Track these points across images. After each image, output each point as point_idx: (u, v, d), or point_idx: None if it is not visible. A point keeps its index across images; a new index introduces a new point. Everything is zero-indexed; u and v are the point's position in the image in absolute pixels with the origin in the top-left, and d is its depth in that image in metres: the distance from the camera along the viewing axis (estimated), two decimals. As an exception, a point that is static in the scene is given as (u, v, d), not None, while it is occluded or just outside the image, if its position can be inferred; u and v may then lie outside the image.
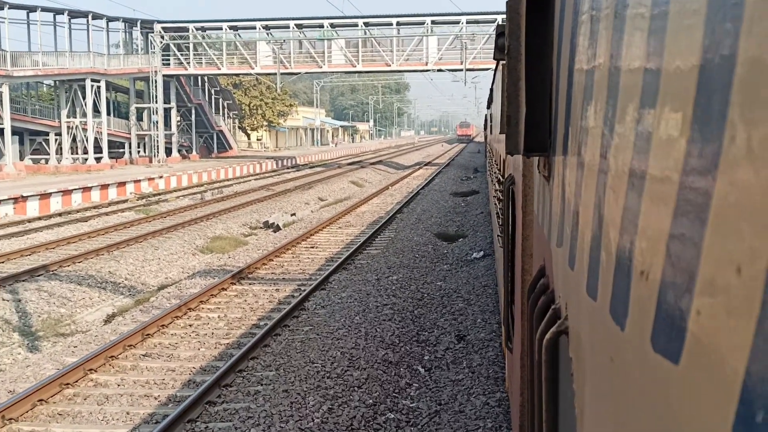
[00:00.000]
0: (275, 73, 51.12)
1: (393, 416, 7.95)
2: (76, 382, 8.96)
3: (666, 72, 0.87)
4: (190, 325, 11.57)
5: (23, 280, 14.90)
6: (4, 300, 13.53)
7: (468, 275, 14.87)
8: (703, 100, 0.73)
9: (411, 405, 8.29)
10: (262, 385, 8.76)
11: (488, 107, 17.47)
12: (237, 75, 61.36)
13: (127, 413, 8.13)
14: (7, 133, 40.15)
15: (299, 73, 52.00)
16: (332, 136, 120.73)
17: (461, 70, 48.62)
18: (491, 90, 12.52)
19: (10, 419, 7.74)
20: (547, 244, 2.22)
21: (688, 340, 0.76)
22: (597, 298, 1.26)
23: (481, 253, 17.02)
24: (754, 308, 0.61)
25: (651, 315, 0.89)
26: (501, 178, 6.91)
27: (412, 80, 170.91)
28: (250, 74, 54.81)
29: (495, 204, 9.23)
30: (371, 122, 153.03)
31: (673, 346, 0.80)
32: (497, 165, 9.16)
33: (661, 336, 0.86)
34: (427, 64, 49.29)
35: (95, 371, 9.32)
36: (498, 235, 7.52)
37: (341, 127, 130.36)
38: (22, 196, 26.88)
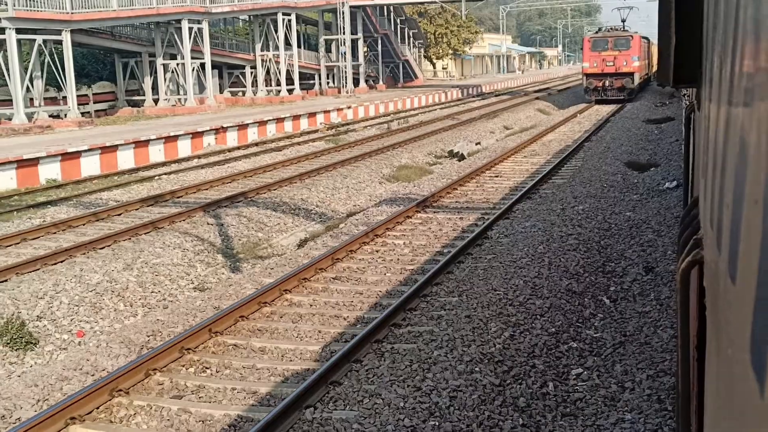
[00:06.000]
0: (460, 1, 50.48)
1: (576, 345, 7.91)
2: (273, 301, 9.58)
3: None
4: (377, 251, 11.97)
5: (224, 206, 15.97)
6: (208, 224, 14.59)
7: (659, 206, 14.30)
8: None
9: (594, 335, 8.20)
10: (445, 310, 8.97)
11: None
12: (422, 3, 61.12)
13: (319, 331, 8.61)
14: (208, 67, 42.52)
15: (485, -1, 51.01)
16: (519, 62, 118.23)
17: (657, -12, 45.67)
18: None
19: (216, 332, 8.43)
20: (698, 174, 2.16)
21: (738, 265, 0.77)
22: (714, 229, 1.24)
23: (674, 182, 16.25)
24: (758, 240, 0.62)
25: (728, 244, 0.90)
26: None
27: (604, 2, 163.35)
28: (435, 2, 54.42)
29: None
30: (560, 48, 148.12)
31: (733, 272, 0.81)
32: (687, 91, 8.72)
33: (732, 265, 0.86)
34: (619, -17, 46.48)
35: (290, 292, 9.90)
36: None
37: (528, 53, 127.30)
38: (223, 127, 28.56)
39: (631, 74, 40.95)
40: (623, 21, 45.47)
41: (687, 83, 2.21)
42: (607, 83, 40.86)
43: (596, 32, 45.22)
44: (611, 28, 44.59)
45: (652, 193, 15.66)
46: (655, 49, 57.41)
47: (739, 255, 0.77)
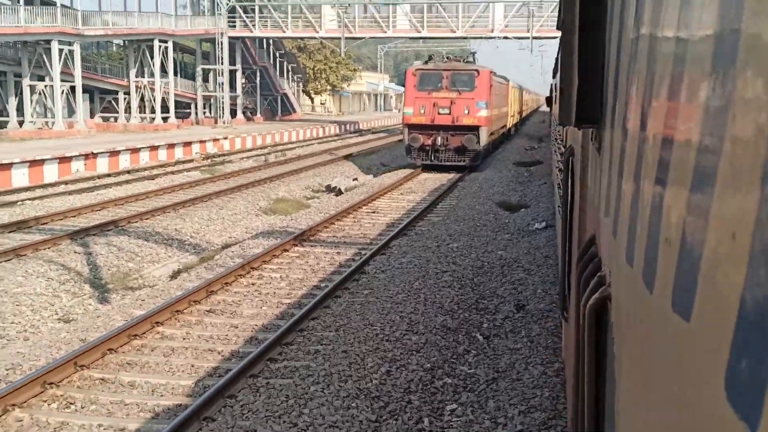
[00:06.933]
0: (339, 38, 51.11)
1: (450, 381, 8.03)
2: (144, 333, 9.25)
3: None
4: (253, 284, 11.80)
5: (93, 234, 15.36)
6: (75, 252, 13.98)
7: (529, 245, 14.80)
8: None
9: (468, 371, 8.35)
10: (321, 344, 8.92)
11: (554, 76, 17.24)
12: (302, 38, 61.48)
13: (192, 365, 8.37)
14: (79, 91, 41.10)
15: (363, 37, 51.92)
16: (395, 101, 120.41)
17: (527, 38, 47.90)
18: (556, 59, 12.35)
19: (82, 366, 8.05)
20: (597, 214, 2.26)
21: (696, 300, 0.81)
22: (633, 265, 1.30)
23: (543, 223, 16.89)
24: (741, 273, 0.65)
25: (672, 278, 0.94)
26: (562, 149, 6.88)
27: (478, 47, 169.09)
28: (315, 38, 54.87)
29: (557, 175, 9.18)
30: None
31: (687, 306, 0.85)
32: (560, 135, 9.12)
33: (678, 297, 0.91)
34: (492, 30, 48.66)
35: (162, 324, 9.60)
36: (558, 206, 7.51)
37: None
38: (93, 153, 27.58)
39: (475, 129, 27.34)
40: (473, 53, 31.89)
41: (588, 123, 2.32)
42: (438, 141, 27.44)
43: (425, 62, 29.04)
44: (449, 58, 29.67)
45: (522, 233, 16.20)
46: (525, 95, 51.41)
47: (698, 295, 0.81)
